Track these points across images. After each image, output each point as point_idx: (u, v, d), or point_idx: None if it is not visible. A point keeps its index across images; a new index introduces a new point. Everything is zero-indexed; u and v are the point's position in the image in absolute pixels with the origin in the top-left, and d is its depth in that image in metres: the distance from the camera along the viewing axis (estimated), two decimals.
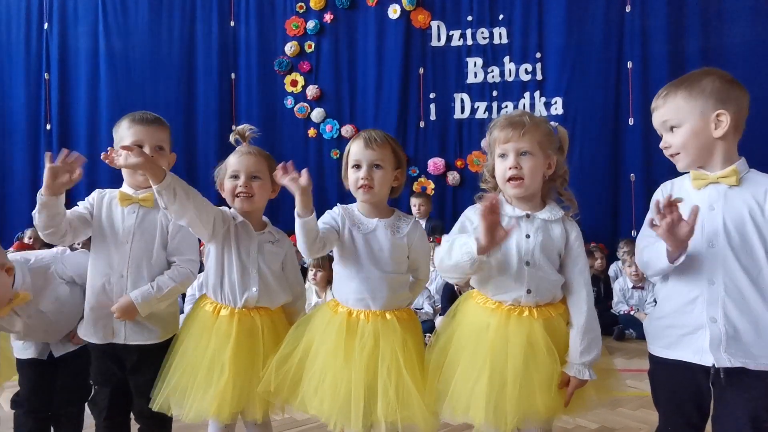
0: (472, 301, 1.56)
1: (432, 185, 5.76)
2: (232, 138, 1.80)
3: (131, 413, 1.80)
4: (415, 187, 5.69)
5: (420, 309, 4.23)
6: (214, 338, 1.64)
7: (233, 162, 1.75)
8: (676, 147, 1.43)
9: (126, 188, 1.78)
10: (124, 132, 1.75)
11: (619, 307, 4.63)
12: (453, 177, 5.77)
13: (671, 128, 1.44)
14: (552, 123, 1.58)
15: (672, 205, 1.28)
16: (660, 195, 1.51)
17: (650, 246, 1.44)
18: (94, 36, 6.10)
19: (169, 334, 1.75)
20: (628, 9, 5.51)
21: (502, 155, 1.51)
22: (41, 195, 1.59)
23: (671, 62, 5.33)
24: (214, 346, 1.63)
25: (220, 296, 1.69)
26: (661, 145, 1.46)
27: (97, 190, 1.80)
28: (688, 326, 1.38)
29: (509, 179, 1.49)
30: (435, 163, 5.81)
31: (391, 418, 1.46)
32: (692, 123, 1.40)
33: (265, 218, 1.82)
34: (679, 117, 1.42)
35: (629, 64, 5.49)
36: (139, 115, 1.77)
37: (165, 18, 6.09)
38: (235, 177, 1.73)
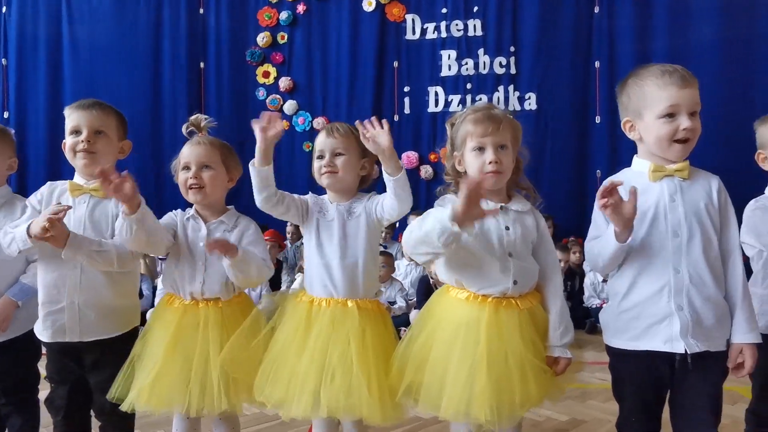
0: (450, 296, 1.52)
1: None
2: (184, 129, 1.75)
3: (91, 410, 1.73)
4: None
5: (393, 304, 4.19)
6: (161, 330, 1.63)
7: (185, 153, 1.71)
8: (695, 133, 1.42)
9: (78, 178, 1.71)
10: (66, 120, 1.70)
11: (590, 301, 4.69)
12: (426, 171, 5.76)
13: (692, 113, 1.41)
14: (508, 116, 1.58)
15: (613, 189, 1.34)
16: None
17: (596, 240, 1.48)
18: (57, 21, 5.90)
19: (128, 326, 1.70)
20: (596, 10, 5.59)
21: (479, 149, 1.48)
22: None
23: (638, 62, 5.36)
24: (158, 337, 1.61)
25: (171, 288, 1.69)
26: (689, 126, 1.40)
27: (48, 182, 1.73)
28: (656, 316, 1.40)
29: (490, 173, 1.47)
30: (408, 157, 5.79)
31: (334, 405, 1.44)
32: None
33: (230, 207, 1.76)
34: (697, 104, 1.42)
35: (597, 64, 5.57)
36: (79, 101, 1.72)
37: (130, 3, 5.90)
38: (187, 168, 1.68)
